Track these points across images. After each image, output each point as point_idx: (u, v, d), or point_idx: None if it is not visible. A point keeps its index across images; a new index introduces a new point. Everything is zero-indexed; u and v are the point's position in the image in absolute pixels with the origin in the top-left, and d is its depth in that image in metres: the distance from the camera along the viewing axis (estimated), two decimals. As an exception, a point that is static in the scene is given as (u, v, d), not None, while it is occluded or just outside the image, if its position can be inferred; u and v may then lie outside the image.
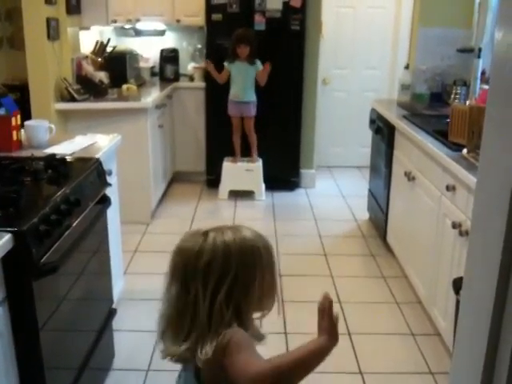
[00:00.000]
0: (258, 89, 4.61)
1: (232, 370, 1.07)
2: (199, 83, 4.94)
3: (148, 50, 5.17)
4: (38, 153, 2.29)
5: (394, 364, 2.54)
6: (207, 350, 1.11)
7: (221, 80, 4.55)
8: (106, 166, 2.37)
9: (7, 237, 1.46)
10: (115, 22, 4.47)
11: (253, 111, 4.60)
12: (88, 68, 4.14)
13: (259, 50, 4.48)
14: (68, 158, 2.23)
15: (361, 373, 2.47)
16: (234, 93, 4.54)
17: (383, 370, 2.50)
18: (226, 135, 4.69)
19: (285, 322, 2.80)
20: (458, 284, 1.93)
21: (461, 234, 2.29)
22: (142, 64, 5.00)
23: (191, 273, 1.17)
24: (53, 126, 2.60)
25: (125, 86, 4.33)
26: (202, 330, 1.14)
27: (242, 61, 4.43)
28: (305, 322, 2.87)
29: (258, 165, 4.74)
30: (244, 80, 4.50)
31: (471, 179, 2.17)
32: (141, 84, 4.69)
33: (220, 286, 1.15)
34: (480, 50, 3.54)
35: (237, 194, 4.75)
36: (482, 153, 0.91)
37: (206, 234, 1.21)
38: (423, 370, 2.49)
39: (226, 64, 4.49)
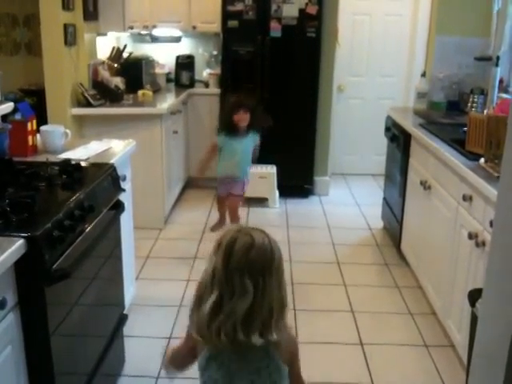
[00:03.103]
0: (274, 95, 4.59)
1: (293, 367, 1.41)
2: (214, 89, 4.95)
3: (164, 56, 5.20)
4: (52, 158, 2.30)
5: (407, 376, 2.50)
6: (276, 335, 1.30)
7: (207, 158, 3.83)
8: (120, 172, 2.38)
9: (20, 242, 1.47)
10: (132, 28, 4.50)
11: (241, 189, 3.77)
12: (104, 73, 4.17)
13: (273, 59, 4.45)
14: (83, 164, 2.24)
15: (373, 384, 2.44)
16: (225, 170, 3.70)
17: (395, 381, 2.46)
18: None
19: (296, 331, 2.77)
20: (473, 296, 1.89)
21: (477, 245, 2.25)
22: (157, 70, 5.02)
23: (267, 269, 1.32)
24: (68, 131, 2.61)
25: (140, 92, 4.35)
26: (267, 317, 1.30)
27: (240, 133, 3.60)
28: (317, 330, 2.84)
29: (272, 172, 4.72)
30: (240, 155, 3.65)
31: (489, 189, 2.14)
32: (156, 90, 4.71)
33: (281, 279, 1.35)
34: (498, 58, 3.50)
35: (250, 201, 4.74)
36: (505, 164, 0.88)
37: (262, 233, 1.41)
38: (436, 383, 2.45)
39: (217, 137, 3.70)
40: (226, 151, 3.66)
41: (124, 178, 2.51)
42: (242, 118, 3.57)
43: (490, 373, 1.01)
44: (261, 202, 4.75)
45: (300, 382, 1.49)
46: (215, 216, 4.47)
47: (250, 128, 3.63)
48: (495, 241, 1.02)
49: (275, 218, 4.52)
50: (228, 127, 3.62)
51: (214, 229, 3.93)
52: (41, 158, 2.32)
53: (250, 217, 4.48)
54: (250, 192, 4.69)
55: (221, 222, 3.97)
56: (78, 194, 1.87)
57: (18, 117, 2.40)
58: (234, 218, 3.80)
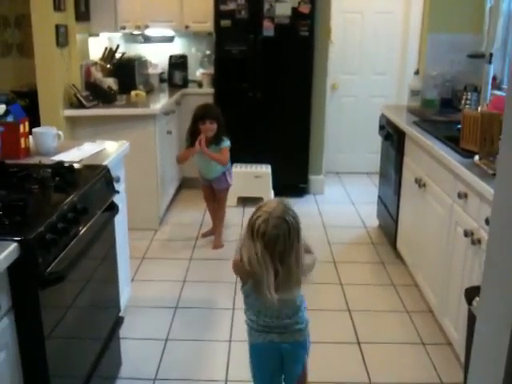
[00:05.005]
0: (267, 94, 4.57)
1: None
2: (208, 89, 4.94)
3: (157, 57, 5.18)
4: (45, 160, 2.28)
5: (404, 374, 2.50)
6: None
7: (180, 160, 3.95)
8: (113, 173, 2.36)
9: (13, 246, 1.45)
10: (124, 28, 4.48)
11: (223, 184, 3.90)
12: (97, 74, 4.15)
13: (266, 58, 4.42)
14: (76, 166, 2.21)
15: (370, 383, 2.43)
16: (201, 171, 3.91)
17: (393, 380, 2.46)
18: (234, 141, 4.67)
19: (293, 331, 2.76)
20: (470, 294, 1.89)
21: (473, 242, 2.25)
22: (150, 70, 5.00)
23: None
24: (61, 132, 2.59)
25: (133, 93, 4.33)
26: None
27: (207, 142, 3.68)
28: (314, 330, 2.83)
29: (267, 171, 4.71)
30: (205, 162, 3.78)
31: (484, 187, 2.13)
32: (149, 90, 4.69)
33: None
34: (491, 55, 3.50)
35: (245, 201, 4.73)
36: (500, 161, 0.88)
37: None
38: (434, 381, 2.45)
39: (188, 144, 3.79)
40: (195, 158, 3.79)
41: (118, 180, 2.49)
42: (209, 129, 3.66)
43: (489, 370, 1.00)
44: (256, 201, 4.72)
45: None
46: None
47: (218, 136, 3.70)
48: (493, 238, 1.02)
49: (270, 218, 4.50)
50: (192, 138, 3.68)
51: (204, 236, 4.05)
52: (33, 160, 2.31)
53: (246, 217, 4.47)
54: (245, 192, 4.70)
55: (213, 227, 4.03)
56: (71, 197, 1.85)
57: (9, 119, 2.38)
58: (220, 208, 3.94)
